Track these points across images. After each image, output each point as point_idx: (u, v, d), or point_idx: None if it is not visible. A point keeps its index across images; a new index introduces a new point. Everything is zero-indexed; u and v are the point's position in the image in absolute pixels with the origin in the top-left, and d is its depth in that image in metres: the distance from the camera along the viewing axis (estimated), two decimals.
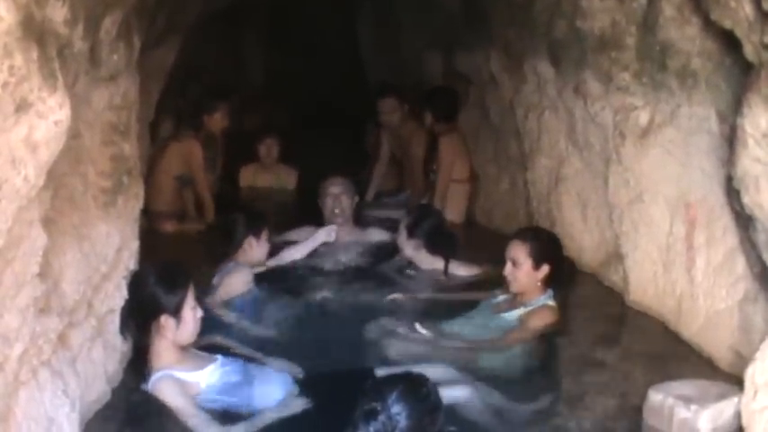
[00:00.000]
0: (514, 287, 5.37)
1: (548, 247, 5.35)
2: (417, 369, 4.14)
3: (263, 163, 9.68)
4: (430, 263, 6.56)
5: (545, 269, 5.29)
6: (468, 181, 8.27)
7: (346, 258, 6.96)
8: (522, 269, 5.29)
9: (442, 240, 6.62)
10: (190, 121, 8.20)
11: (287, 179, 9.74)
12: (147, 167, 7.62)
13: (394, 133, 9.00)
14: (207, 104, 8.40)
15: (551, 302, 5.31)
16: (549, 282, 5.33)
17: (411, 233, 6.61)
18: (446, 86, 8.59)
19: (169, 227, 7.80)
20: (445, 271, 6.45)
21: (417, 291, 6.31)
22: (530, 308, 5.28)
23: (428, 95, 8.36)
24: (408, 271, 6.63)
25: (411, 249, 6.63)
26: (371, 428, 3.30)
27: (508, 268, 5.33)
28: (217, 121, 8.46)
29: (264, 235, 6.18)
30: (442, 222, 6.95)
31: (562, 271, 5.43)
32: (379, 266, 6.80)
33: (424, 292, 6.31)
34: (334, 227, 6.97)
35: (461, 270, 6.51)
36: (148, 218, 7.38)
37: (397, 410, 3.31)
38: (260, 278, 6.07)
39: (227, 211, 6.75)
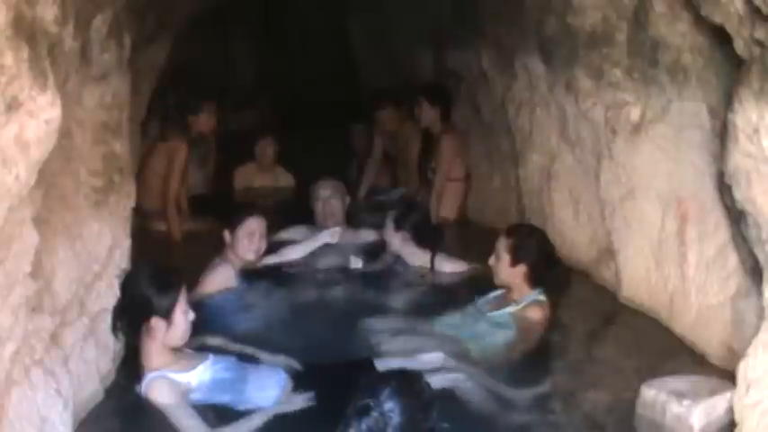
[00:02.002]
0: (496, 279, 5.46)
1: (526, 248, 5.35)
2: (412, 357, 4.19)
3: (260, 164, 9.65)
4: (417, 257, 6.54)
5: (522, 268, 5.32)
6: (464, 179, 8.28)
7: (338, 258, 6.94)
8: (502, 263, 5.37)
9: (428, 233, 6.63)
10: (177, 122, 8.13)
11: (285, 181, 9.73)
12: (138, 167, 7.61)
13: (391, 134, 9.00)
14: (192, 105, 8.26)
15: (542, 298, 5.32)
16: (534, 280, 5.34)
17: (398, 226, 6.61)
18: (441, 83, 8.58)
19: (162, 226, 7.76)
20: (432, 265, 6.45)
21: (406, 289, 6.32)
22: (520, 305, 5.30)
23: (434, 93, 8.28)
24: (396, 267, 6.61)
25: (398, 242, 6.62)
26: (364, 425, 3.28)
27: (492, 259, 5.44)
28: (203, 121, 8.29)
29: (245, 231, 6.07)
30: (427, 216, 6.97)
31: (544, 273, 5.38)
32: (368, 265, 6.77)
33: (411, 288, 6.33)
34: (338, 229, 6.96)
35: (448, 266, 6.51)
36: (140, 217, 7.37)
37: (390, 407, 3.30)
38: (252, 275, 6.08)
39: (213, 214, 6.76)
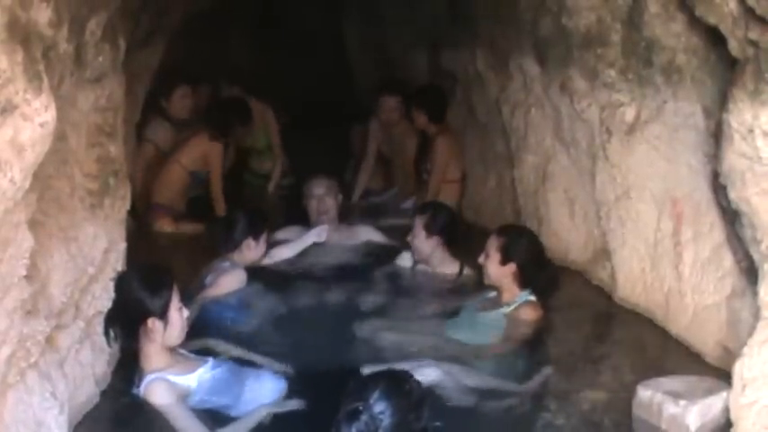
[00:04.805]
0: (486, 279, 5.50)
1: (517, 247, 5.40)
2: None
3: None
4: (446, 265, 6.39)
5: (512, 267, 5.35)
6: (460, 180, 8.27)
7: (334, 258, 6.93)
8: (491, 261, 5.41)
9: (460, 235, 6.50)
10: (224, 128, 8.33)
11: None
12: (164, 156, 8.10)
13: (387, 131, 8.98)
14: (243, 117, 8.76)
15: (532, 298, 5.35)
16: (524, 281, 5.37)
17: (429, 231, 6.31)
18: (435, 85, 8.57)
19: (165, 225, 7.82)
20: (460, 272, 6.35)
21: (404, 291, 6.30)
22: (512, 306, 5.34)
23: (421, 96, 8.28)
24: (417, 268, 6.50)
25: (429, 249, 6.35)
26: (354, 429, 3.24)
27: (482, 257, 5.49)
28: (241, 135, 8.87)
29: (264, 236, 6.19)
30: (456, 217, 6.83)
31: (534, 274, 5.40)
32: (375, 269, 6.70)
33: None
34: (325, 227, 6.95)
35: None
36: (147, 211, 7.70)
37: (380, 409, 3.25)
38: (249, 276, 6.06)
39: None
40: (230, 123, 8.45)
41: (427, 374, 4.58)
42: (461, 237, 6.54)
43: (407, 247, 6.49)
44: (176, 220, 7.90)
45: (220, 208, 8.04)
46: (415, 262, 6.49)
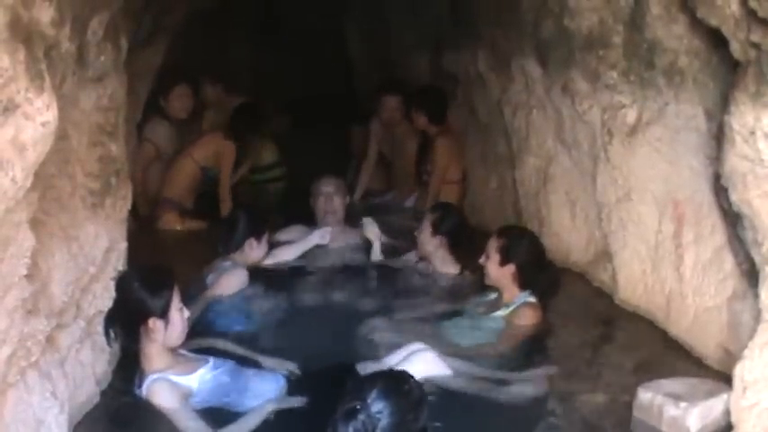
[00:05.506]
0: (486, 279, 5.54)
1: (516, 248, 5.43)
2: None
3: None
4: (447, 264, 6.43)
5: (511, 268, 5.39)
6: (461, 181, 8.27)
7: (336, 258, 6.93)
8: (491, 262, 5.46)
9: (465, 239, 6.52)
10: (241, 134, 8.44)
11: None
12: (165, 156, 8.19)
13: (388, 132, 8.98)
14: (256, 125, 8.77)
15: (532, 299, 5.36)
16: (524, 282, 5.40)
17: (435, 230, 6.36)
18: (436, 87, 8.56)
19: (171, 220, 7.87)
20: (461, 271, 6.36)
21: (404, 291, 6.30)
22: (511, 307, 5.36)
23: (421, 97, 8.29)
24: (420, 265, 6.53)
25: (432, 247, 6.40)
26: (351, 429, 3.24)
27: (482, 258, 5.53)
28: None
29: (265, 237, 6.21)
30: (465, 221, 6.85)
31: (534, 275, 5.41)
32: (377, 269, 6.72)
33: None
34: (328, 229, 6.95)
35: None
36: (154, 206, 7.83)
37: (378, 409, 3.25)
38: (251, 277, 6.07)
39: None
40: (249, 129, 8.55)
41: (426, 359, 4.61)
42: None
43: (411, 247, 6.54)
44: (182, 216, 7.92)
45: (226, 207, 8.04)
46: (418, 260, 6.51)
